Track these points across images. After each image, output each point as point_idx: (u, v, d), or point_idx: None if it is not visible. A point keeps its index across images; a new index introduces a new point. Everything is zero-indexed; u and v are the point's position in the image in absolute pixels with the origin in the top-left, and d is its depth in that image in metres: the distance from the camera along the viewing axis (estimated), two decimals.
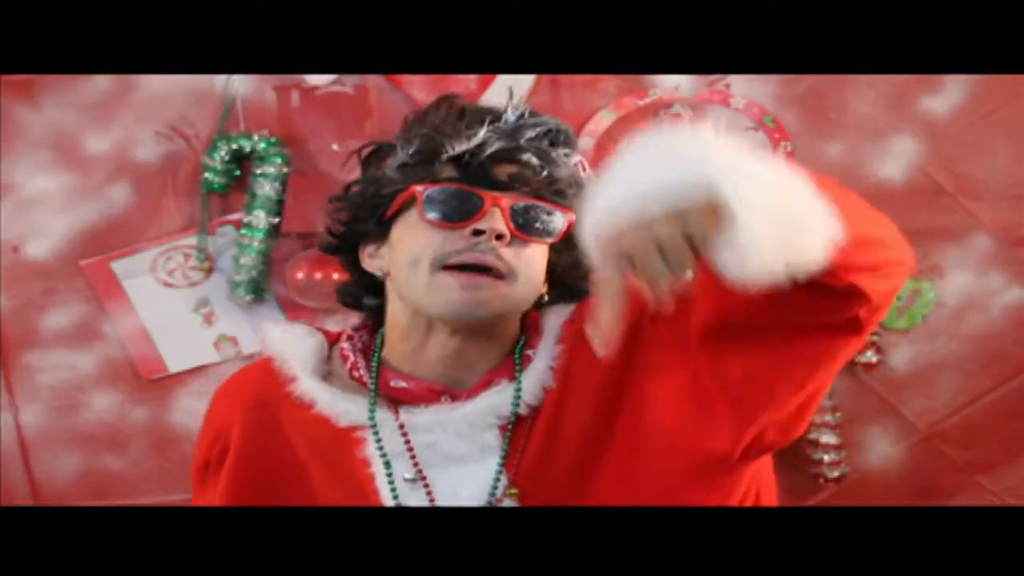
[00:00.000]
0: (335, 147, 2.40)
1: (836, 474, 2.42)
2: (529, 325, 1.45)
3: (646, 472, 1.36)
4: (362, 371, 1.43)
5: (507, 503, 1.36)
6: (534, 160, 1.38)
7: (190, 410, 2.47)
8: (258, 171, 2.38)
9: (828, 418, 2.41)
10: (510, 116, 1.40)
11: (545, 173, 1.38)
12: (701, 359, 1.31)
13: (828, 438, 2.41)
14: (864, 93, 2.39)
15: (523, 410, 1.38)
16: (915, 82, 2.37)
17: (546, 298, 1.44)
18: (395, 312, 1.43)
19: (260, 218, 2.38)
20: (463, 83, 2.34)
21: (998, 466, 2.46)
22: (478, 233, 1.35)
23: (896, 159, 2.41)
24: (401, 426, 1.38)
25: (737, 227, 1.11)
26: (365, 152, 1.48)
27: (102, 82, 2.38)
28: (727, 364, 1.29)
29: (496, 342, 1.41)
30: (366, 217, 1.44)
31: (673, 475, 1.35)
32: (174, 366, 2.46)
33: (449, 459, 1.38)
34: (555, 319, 1.44)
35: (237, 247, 2.40)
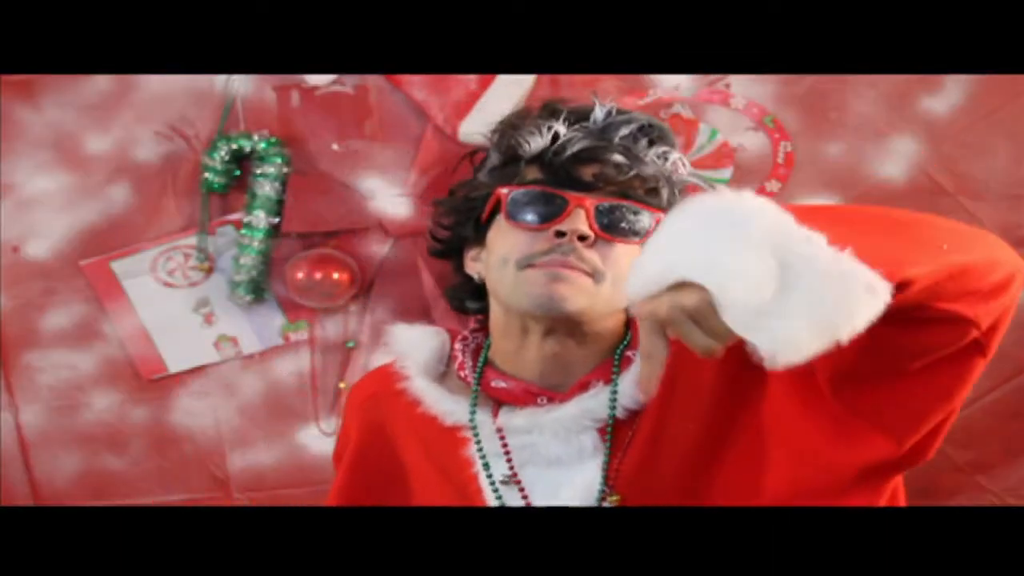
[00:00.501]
0: (335, 147, 2.40)
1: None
2: (634, 325, 1.43)
3: (771, 486, 1.34)
4: (467, 371, 1.45)
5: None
6: (620, 159, 1.37)
7: (190, 410, 2.47)
8: (258, 171, 2.38)
9: None
10: (599, 115, 1.40)
11: (632, 172, 1.37)
12: (835, 403, 1.29)
13: None
14: (864, 93, 2.39)
15: (620, 413, 1.38)
16: (915, 82, 2.37)
17: None
18: (495, 314, 1.44)
19: (260, 218, 2.38)
20: (463, 83, 2.34)
21: (998, 466, 2.45)
22: (560, 235, 1.34)
23: (896, 159, 2.40)
24: (499, 428, 1.39)
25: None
26: (478, 157, 1.50)
27: (102, 82, 2.38)
28: (861, 405, 1.28)
29: (593, 343, 1.40)
30: (465, 221, 1.46)
31: (817, 490, 1.34)
32: (174, 366, 2.46)
33: (547, 461, 1.38)
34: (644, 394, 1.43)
35: (237, 247, 2.40)
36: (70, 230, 2.42)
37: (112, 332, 2.45)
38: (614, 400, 1.37)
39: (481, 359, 1.45)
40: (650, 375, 1.14)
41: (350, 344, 2.45)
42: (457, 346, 1.49)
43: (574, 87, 2.39)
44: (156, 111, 2.39)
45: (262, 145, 2.37)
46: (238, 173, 2.41)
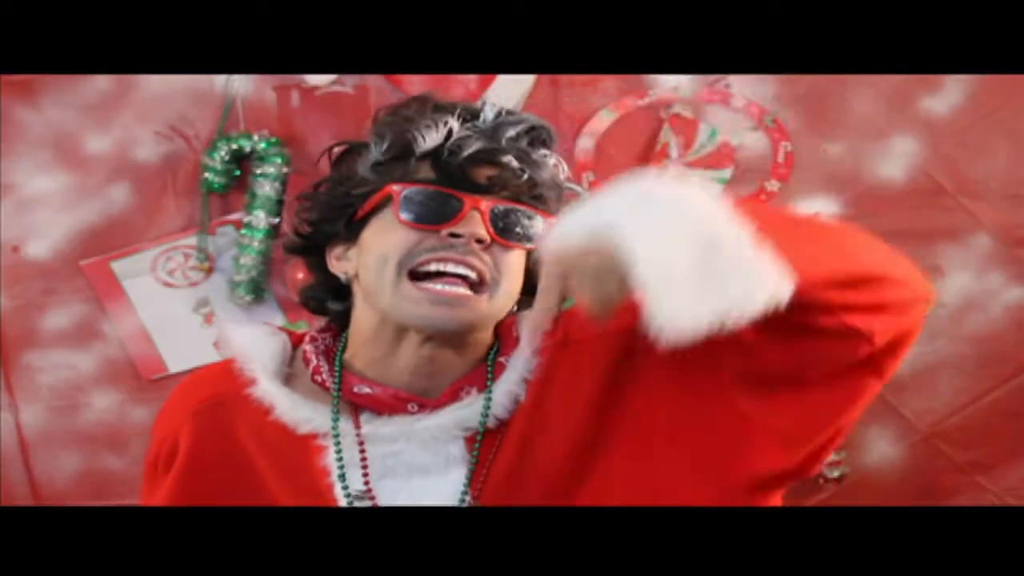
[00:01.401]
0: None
1: (836, 474, 2.42)
2: (504, 331, 1.40)
3: (651, 491, 1.31)
4: (325, 376, 1.38)
5: None
6: (514, 162, 1.33)
7: None
8: (258, 171, 2.38)
9: None
10: (488, 114, 1.36)
11: (526, 176, 1.34)
12: (736, 406, 1.28)
13: None
14: (864, 93, 2.39)
15: (492, 423, 1.34)
16: (915, 82, 2.37)
17: (516, 307, 1.39)
18: (361, 317, 1.38)
19: (260, 218, 2.38)
20: (463, 83, 2.34)
21: (998, 466, 2.46)
22: (455, 236, 1.30)
23: (896, 159, 2.41)
24: (359, 436, 1.34)
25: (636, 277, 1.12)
26: (336, 151, 1.44)
27: (102, 82, 2.38)
28: (761, 408, 1.27)
29: (470, 350, 1.37)
30: (335, 218, 1.39)
31: (700, 495, 1.30)
32: (174, 366, 2.46)
33: (412, 470, 1.33)
34: (531, 327, 1.39)
35: (237, 247, 2.40)
36: (70, 230, 2.42)
37: (112, 332, 2.45)
38: (487, 409, 1.33)
39: (337, 363, 1.38)
40: (542, 310, 1.19)
41: None
42: (307, 347, 1.40)
43: (574, 87, 2.39)
44: (156, 111, 2.39)
45: (262, 145, 2.37)
46: (238, 173, 2.41)
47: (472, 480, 1.33)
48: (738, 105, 2.41)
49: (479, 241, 1.31)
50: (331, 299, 1.43)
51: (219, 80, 2.38)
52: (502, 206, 1.33)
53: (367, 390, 1.35)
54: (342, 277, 1.39)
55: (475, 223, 1.31)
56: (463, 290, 1.31)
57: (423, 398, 1.35)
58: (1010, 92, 2.37)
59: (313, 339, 1.42)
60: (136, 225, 2.42)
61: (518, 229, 1.34)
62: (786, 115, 2.40)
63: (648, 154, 2.42)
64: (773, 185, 2.41)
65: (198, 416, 1.39)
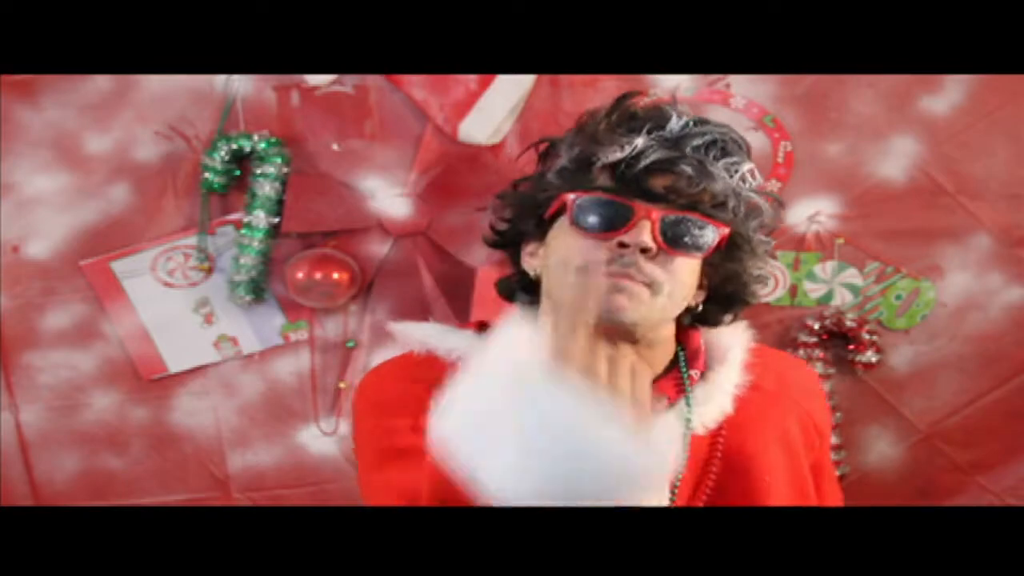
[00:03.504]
0: (335, 147, 2.40)
1: (836, 474, 2.42)
2: (688, 339, 1.45)
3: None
4: None
5: None
6: (690, 172, 1.35)
7: (190, 410, 2.47)
8: (258, 171, 2.38)
9: None
10: (675, 125, 1.38)
11: (701, 186, 1.36)
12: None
13: None
14: (864, 93, 2.39)
15: (699, 431, 1.39)
16: (915, 82, 2.37)
17: (699, 307, 1.43)
18: (545, 311, 1.42)
19: (260, 218, 2.38)
20: (463, 83, 2.35)
21: (998, 466, 2.46)
22: (623, 246, 1.34)
23: (896, 159, 2.41)
24: None
25: None
26: (541, 148, 1.46)
27: (102, 82, 2.38)
28: None
29: (645, 349, 1.40)
30: (527, 217, 1.43)
31: None
32: (174, 366, 2.46)
33: None
34: (730, 340, 1.46)
35: (237, 247, 2.40)
36: (70, 230, 2.42)
37: (112, 332, 2.45)
38: (689, 417, 1.39)
39: None
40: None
41: (350, 344, 2.45)
42: None
43: (574, 87, 2.39)
44: (156, 111, 2.39)
45: (262, 145, 2.37)
46: (238, 173, 2.41)
47: (679, 485, 1.37)
48: (738, 105, 2.41)
49: (645, 250, 1.34)
50: (521, 291, 1.48)
51: (219, 80, 2.38)
52: (672, 216, 1.35)
53: None
54: (531, 273, 1.44)
55: (644, 232, 1.34)
56: (632, 283, 1.34)
57: None
58: (1010, 92, 2.37)
59: None
60: (136, 225, 2.42)
61: (687, 239, 1.36)
62: (786, 115, 2.40)
63: None
64: (773, 185, 2.41)
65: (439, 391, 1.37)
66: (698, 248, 1.37)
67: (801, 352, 2.41)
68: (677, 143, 1.37)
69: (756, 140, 2.41)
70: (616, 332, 1.36)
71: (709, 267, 1.40)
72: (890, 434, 2.47)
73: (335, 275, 2.37)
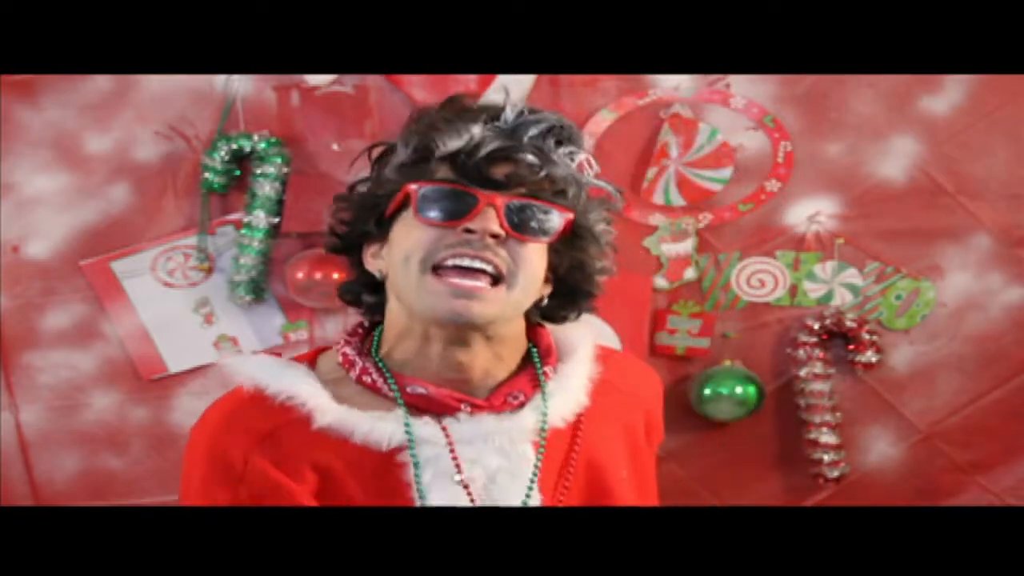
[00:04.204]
0: (335, 147, 2.40)
1: (836, 474, 2.42)
2: (538, 337, 1.44)
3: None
4: (374, 376, 1.39)
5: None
6: (531, 159, 1.36)
7: (190, 410, 2.47)
8: (258, 171, 2.38)
9: (828, 418, 2.41)
10: (509, 115, 1.38)
11: (543, 172, 1.36)
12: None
13: (828, 438, 2.41)
14: (864, 93, 2.39)
15: (559, 424, 1.39)
16: (915, 82, 2.38)
17: (545, 300, 1.42)
18: (393, 312, 1.41)
19: (260, 218, 2.38)
20: (463, 83, 2.34)
21: (998, 466, 2.46)
22: (470, 232, 1.33)
23: (896, 159, 2.41)
24: (448, 441, 1.35)
25: None
26: (375, 152, 1.46)
27: (102, 82, 2.38)
28: None
29: (498, 345, 1.39)
30: (367, 217, 1.42)
31: None
32: (174, 366, 2.46)
33: (487, 473, 1.36)
34: (578, 335, 1.45)
35: (237, 247, 2.40)
36: (70, 230, 2.42)
37: (112, 332, 2.45)
38: (545, 413, 1.38)
39: (377, 360, 1.39)
40: None
41: None
42: (348, 351, 1.41)
43: (574, 87, 2.39)
44: (156, 111, 2.39)
45: (262, 145, 2.37)
46: (238, 173, 2.41)
47: (539, 482, 1.37)
48: (738, 105, 2.41)
49: (494, 236, 1.33)
50: (366, 293, 1.46)
51: (219, 80, 2.38)
52: (517, 201, 1.35)
53: (421, 390, 1.37)
54: (376, 274, 1.42)
55: (490, 219, 1.33)
56: (481, 283, 1.33)
57: (473, 398, 1.37)
58: (1010, 92, 2.37)
59: (347, 342, 1.43)
60: (136, 225, 2.42)
61: (533, 223, 1.35)
62: (786, 115, 2.40)
63: (648, 154, 2.42)
64: (773, 185, 2.41)
65: (260, 456, 1.35)
66: (544, 233, 1.36)
67: (801, 352, 2.41)
68: (514, 132, 1.37)
69: (756, 140, 2.41)
70: (468, 332, 1.35)
71: (554, 257, 1.40)
72: (890, 434, 2.47)
73: (335, 275, 2.37)
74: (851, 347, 2.42)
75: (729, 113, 2.41)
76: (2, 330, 2.43)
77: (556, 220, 1.37)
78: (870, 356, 2.41)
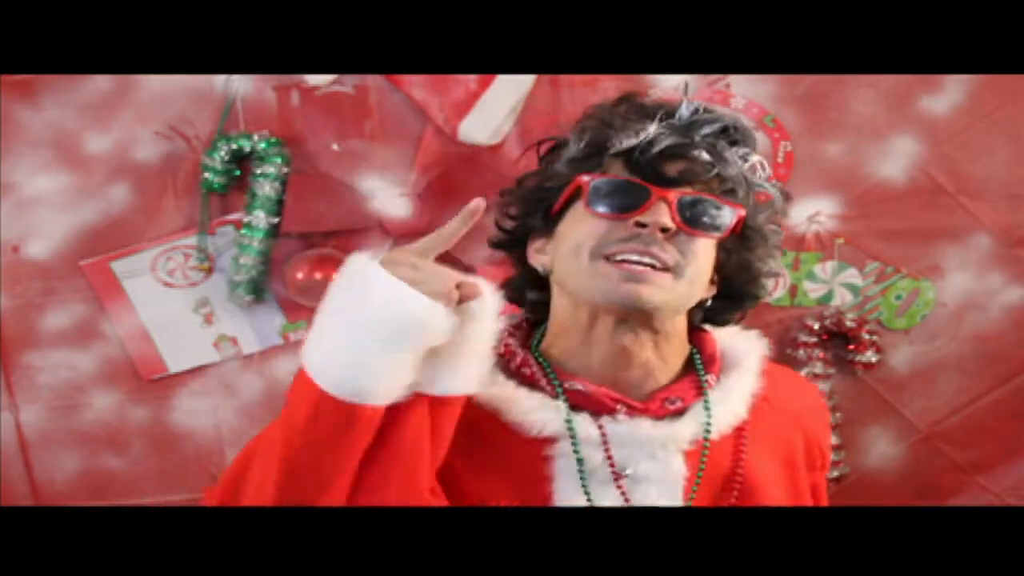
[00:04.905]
0: (335, 147, 2.40)
1: (836, 474, 2.42)
2: (701, 342, 1.43)
3: None
4: (534, 368, 1.38)
5: None
6: (705, 157, 1.35)
7: (190, 410, 2.47)
8: (258, 171, 2.38)
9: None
10: (684, 112, 1.38)
11: (715, 171, 1.36)
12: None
13: None
14: (864, 93, 2.39)
15: (715, 437, 1.38)
16: (915, 82, 2.37)
17: (709, 301, 1.42)
18: (558, 306, 1.40)
19: (260, 218, 2.38)
20: (463, 83, 2.34)
21: (998, 466, 2.46)
22: (641, 226, 1.32)
23: (896, 159, 2.41)
24: (605, 441, 1.33)
25: None
26: (544, 147, 1.46)
27: (102, 82, 2.38)
28: None
29: (664, 343, 1.38)
30: (533, 211, 1.42)
31: None
32: (174, 366, 2.46)
33: (635, 479, 1.35)
34: (746, 346, 1.45)
35: (237, 247, 2.40)
36: (70, 230, 2.42)
37: (112, 332, 2.45)
38: (709, 425, 1.37)
39: (539, 355, 1.39)
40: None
41: None
42: (511, 342, 1.40)
43: (574, 87, 2.39)
44: (156, 111, 2.39)
45: (262, 145, 2.37)
46: (238, 173, 2.41)
47: (689, 492, 1.36)
48: (738, 105, 2.41)
49: (664, 230, 1.32)
50: (529, 290, 1.45)
51: (219, 80, 2.38)
52: (690, 196, 1.34)
53: (579, 387, 1.36)
54: (540, 269, 1.42)
55: (661, 212, 1.33)
56: (651, 271, 1.32)
57: (631, 399, 1.36)
58: (1010, 92, 2.37)
59: (511, 333, 1.42)
60: (136, 225, 2.42)
61: (705, 219, 1.35)
62: (786, 115, 2.40)
63: None
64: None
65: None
66: (716, 229, 1.36)
67: (801, 352, 2.41)
68: (688, 129, 1.36)
69: (756, 140, 2.41)
70: (636, 319, 1.35)
71: (722, 255, 1.39)
72: (890, 434, 2.47)
73: (335, 275, 2.37)
74: (851, 347, 2.42)
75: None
76: (2, 330, 2.43)
77: (728, 216, 1.36)
78: (870, 356, 2.41)
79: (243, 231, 2.39)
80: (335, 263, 2.39)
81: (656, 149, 1.34)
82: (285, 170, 2.39)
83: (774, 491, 1.41)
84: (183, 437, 2.48)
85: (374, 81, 2.39)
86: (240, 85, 2.38)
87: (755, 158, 1.41)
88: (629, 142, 1.35)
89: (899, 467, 2.47)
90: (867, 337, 2.41)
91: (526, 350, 1.40)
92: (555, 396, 1.36)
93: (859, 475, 2.46)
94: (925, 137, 2.40)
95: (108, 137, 2.40)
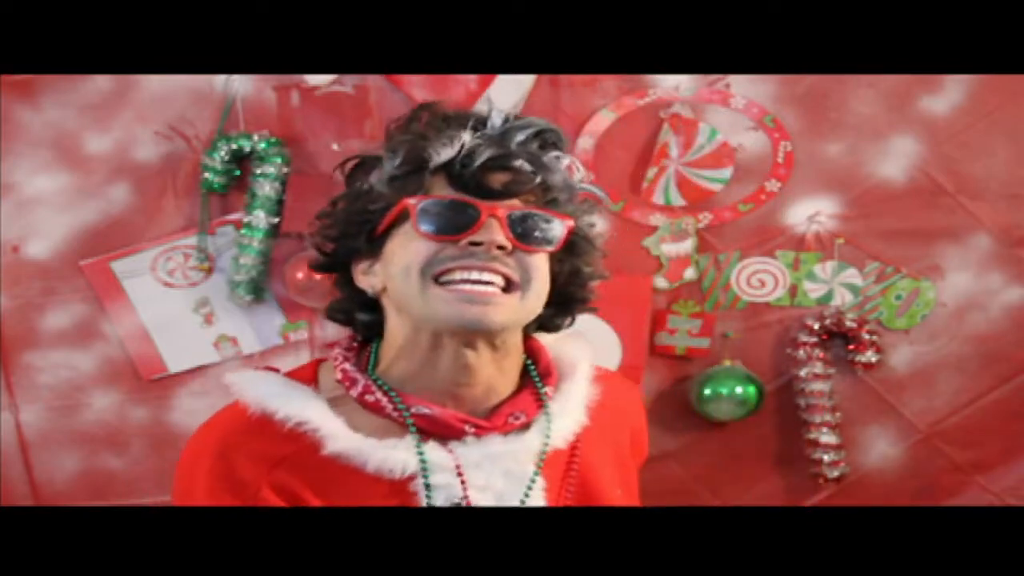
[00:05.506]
0: (335, 147, 2.39)
1: (836, 474, 2.42)
2: (536, 353, 1.43)
3: None
4: (378, 395, 1.36)
5: None
6: (527, 167, 1.34)
7: (190, 410, 2.47)
8: (258, 171, 2.38)
9: (828, 418, 2.41)
10: (496, 120, 1.37)
11: (539, 179, 1.35)
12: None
13: (828, 438, 2.41)
14: (864, 93, 2.39)
15: (560, 445, 1.39)
16: (915, 82, 2.37)
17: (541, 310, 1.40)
18: (394, 328, 1.38)
19: (260, 218, 2.38)
20: (463, 83, 2.34)
21: (998, 466, 2.46)
22: (476, 245, 1.31)
23: (896, 159, 2.41)
24: (458, 467, 1.33)
25: None
26: (349, 166, 1.43)
27: (102, 82, 2.38)
28: None
29: (503, 357, 1.37)
30: (356, 233, 1.39)
31: None
32: (174, 366, 2.46)
33: (496, 496, 1.35)
34: (576, 354, 1.45)
35: (237, 247, 2.40)
36: (70, 230, 2.42)
37: (112, 332, 2.45)
38: (548, 435, 1.37)
39: (373, 378, 1.37)
40: None
41: None
42: (347, 367, 1.38)
43: (574, 87, 2.39)
44: (156, 111, 2.39)
45: (262, 145, 2.37)
46: (238, 173, 2.41)
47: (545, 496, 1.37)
48: (738, 105, 2.41)
49: (500, 248, 1.32)
50: (359, 312, 1.42)
51: (219, 80, 2.38)
52: (519, 212, 1.34)
53: (426, 411, 1.35)
54: (369, 291, 1.39)
55: (494, 230, 1.32)
56: (494, 289, 1.32)
57: (477, 419, 1.36)
58: (1010, 92, 2.37)
59: (346, 357, 1.41)
60: (136, 225, 2.42)
61: (537, 233, 1.34)
62: (786, 115, 2.40)
63: (648, 154, 2.42)
64: (773, 185, 2.41)
65: (281, 473, 1.33)
66: (548, 243, 1.35)
67: (801, 352, 2.41)
68: (502, 138, 1.35)
69: (756, 140, 2.41)
70: (479, 338, 1.34)
71: (555, 266, 1.38)
72: (890, 434, 2.47)
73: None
74: (851, 347, 2.42)
75: (729, 113, 2.41)
76: (2, 330, 2.43)
77: (558, 229, 1.36)
78: (870, 356, 2.41)
79: (243, 231, 2.39)
80: None
81: (477, 162, 1.32)
82: (285, 170, 2.39)
83: (615, 489, 1.44)
84: (183, 437, 2.46)
85: (374, 81, 2.39)
86: (240, 85, 2.38)
87: (568, 159, 1.40)
88: (447, 153, 1.33)
89: (899, 467, 2.47)
90: (867, 337, 2.41)
91: (365, 375, 1.38)
92: (402, 422, 1.34)
93: (859, 475, 2.46)
94: (925, 137, 2.40)
95: (108, 137, 2.40)
